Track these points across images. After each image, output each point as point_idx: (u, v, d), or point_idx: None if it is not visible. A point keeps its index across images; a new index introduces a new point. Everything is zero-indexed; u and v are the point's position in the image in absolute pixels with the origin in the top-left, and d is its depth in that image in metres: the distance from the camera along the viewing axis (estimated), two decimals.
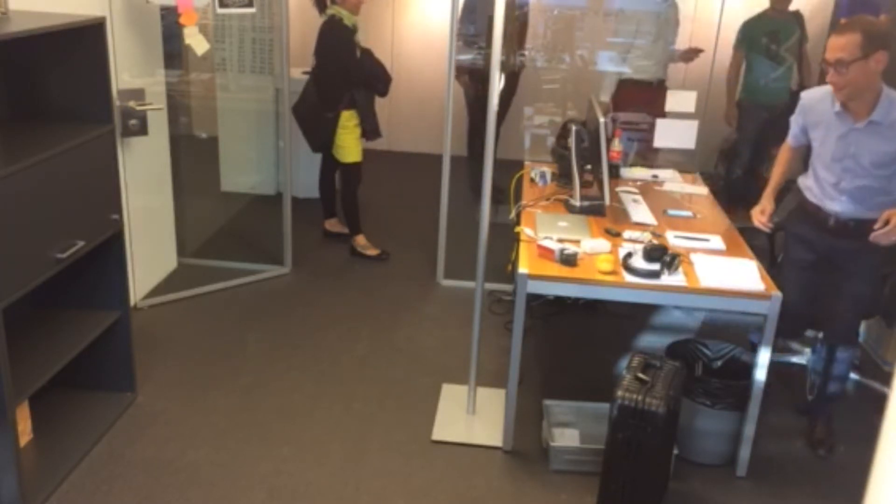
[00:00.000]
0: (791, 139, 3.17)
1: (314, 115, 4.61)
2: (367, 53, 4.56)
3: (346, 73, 4.48)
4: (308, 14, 4.75)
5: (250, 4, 3.96)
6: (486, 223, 3.02)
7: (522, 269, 2.85)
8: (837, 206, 2.96)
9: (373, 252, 4.80)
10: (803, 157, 3.24)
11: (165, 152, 4.27)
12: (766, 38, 5.13)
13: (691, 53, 5.26)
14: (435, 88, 6.13)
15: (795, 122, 3.12)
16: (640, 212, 3.48)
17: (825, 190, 2.99)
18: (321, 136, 4.65)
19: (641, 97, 5.03)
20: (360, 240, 4.83)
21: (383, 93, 4.66)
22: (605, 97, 5.18)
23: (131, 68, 3.76)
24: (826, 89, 2.90)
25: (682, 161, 4.51)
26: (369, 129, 4.63)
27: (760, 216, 3.13)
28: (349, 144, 4.62)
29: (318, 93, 4.60)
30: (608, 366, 3.72)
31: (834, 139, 2.90)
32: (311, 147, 4.78)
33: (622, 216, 3.44)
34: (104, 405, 3.15)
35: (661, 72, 5.22)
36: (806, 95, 3.06)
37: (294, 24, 4.59)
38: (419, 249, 4.91)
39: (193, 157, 5.56)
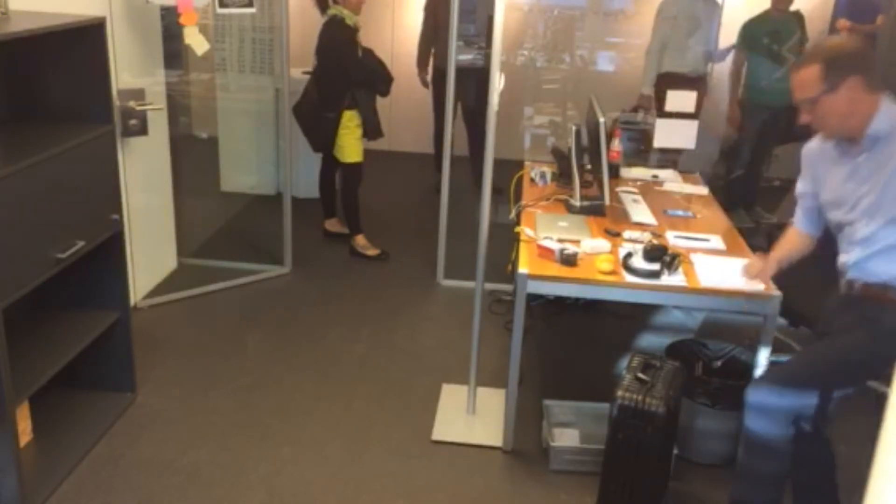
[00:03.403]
0: (798, 219, 2.71)
1: (315, 115, 4.61)
2: (369, 53, 4.56)
3: (347, 72, 4.48)
4: (308, 14, 4.75)
5: (250, 4, 3.96)
6: (486, 223, 3.02)
7: (522, 269, 2.85)
8: (846, 257, 2.49)
9: (373, 252, 4.80)
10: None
11: (165, 152, 4.27)
12: (767, 38, 5.14)
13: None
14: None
15: (803, 185, 2.65)
16: (640, 212, 3.48)
17: (841, 247, 2.53)
18: (322, 136, 4.65)
19: (683, 88, 5.05)
20: (360, 240, 4.84)
21: (384, 93, 4.67)
22: (648, 90, 5.30)
23: (131, 68, 3.76)
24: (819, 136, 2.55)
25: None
26: (371, 128, 4.64)
27: (752, 270, 2.75)
28: (350, 144, 4.62)
29: (320, 93, 4.60)
30: (608, 366, 3.72)
31: (842, 178, 2.47)
32: (313, 147, 4.78)
33: (622, 216, 3.44)
34: (104, 405, 3.15)
35: (700, 66, 5.25)
36: (805, 148, 2.63)
37: (294, 24, 4.59)
38: (419, 249, 4.91)
39: (193, 157, 5.57)
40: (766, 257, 2.76)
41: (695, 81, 5.15)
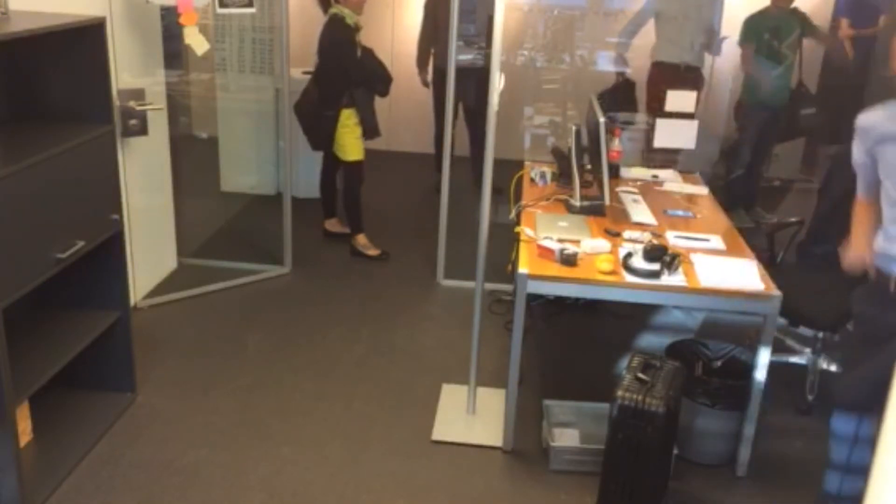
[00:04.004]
0: (862, 191, 2.60)
1: (315, 114, 4.62)
2: (369, 53, 4.56)
3: (346, 71, 4.49)
4: (308, 14, 4.75)
5: (250, 4, 3.96)
6: (486, 223, 3.02)
7: (522, 269, 2.85)
8: None
9: (373, 252, 4.80)
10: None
11: (165, 152, 4.27)
12: (768, 33, 5.12)
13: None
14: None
15: (858, 154, 2.53)
16: (640, 212, 3.48)
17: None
18: (321, 135, 4.66)
19: (676, 79, 5.05)
20: (362, 239, 4.84)
21: (383, 93, 4.67)
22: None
23: (131, 68, 3.76)
24: (890, 108, 2.42)
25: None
26: (368, 127, 4.64)
27: (851, 260, 2.59)
28: (350, 143, 4.62)
29: (319, 91, 4.61)
30: (608, 366, 3.72)
31: None
32: (312, 145, 4.78)
33: (622, 216, 3.44)
34: (104, 405, 3.15)
35: (692, 58, 5.24)
36: (863, 119, 2.50)
37: (294, 24, 4.59)
38: (419, 249, 4.91)
39: (193, 157, 5.57)
40: (854, 248, 2.62)
41: (689, 73, 5.15)
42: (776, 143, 5.66)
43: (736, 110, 5.44)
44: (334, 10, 4.44)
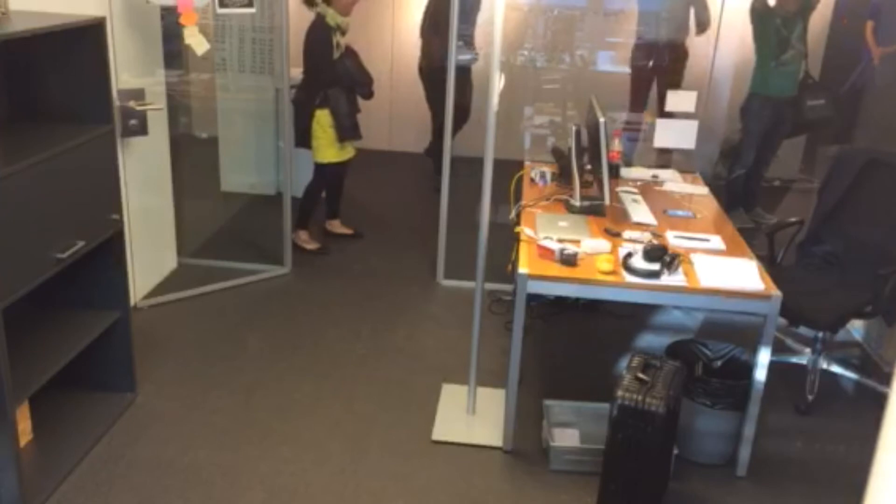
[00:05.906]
0: None
1: (298, 111, 4.63)
2: (351, 55, 4.54)
3: (319, 71, 4.49)
4: (308, 14, 4.74)
5: (250, 4, 3.96)
6: (486, 223, 3.02)
7: (522, 269, 2.85)
8: None
9: (312, 246, 4.81)
10: None
11: (165, 152, 4.27)
12: (780, 19, 5.09)
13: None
14: None
15: None
16: (640, 212, 3.48)
17: None
18: (300, 132, 4.66)
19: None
20: (302, 234, 4.84)
21: (365, 95, 4.64)
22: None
23: (131, 68, 3.76)
24: None
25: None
26: (341, 128, 4.58)
27: None
28: (321, 145, 4.60)
29: (304, 90, 4.62)
30: (608, 366, 3.72)
31: None
32: (294, 141, 4.77)
33: (622, 216, 3.44)
34: (104, 405, 3.15)
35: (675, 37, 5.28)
36: None
37: (294, 24, 4.59)
38: (419, 249, 4.91)
39: (193, 157, 5.57)
40: None
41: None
42: (782, 140, 5.61)
43: (742, 111, 5.41)
44: (319, 9, 4.44)
